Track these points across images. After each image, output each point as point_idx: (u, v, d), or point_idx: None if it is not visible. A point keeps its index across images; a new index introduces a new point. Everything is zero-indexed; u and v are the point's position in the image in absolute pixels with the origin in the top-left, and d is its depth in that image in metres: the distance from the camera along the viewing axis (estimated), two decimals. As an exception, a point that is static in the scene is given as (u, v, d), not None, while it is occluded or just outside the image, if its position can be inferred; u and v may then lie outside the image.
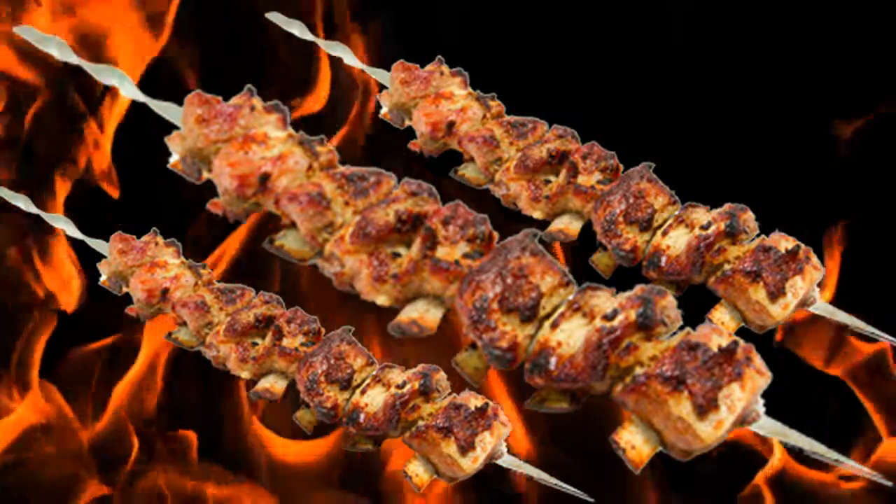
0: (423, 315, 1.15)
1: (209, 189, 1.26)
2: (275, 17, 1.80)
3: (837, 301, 1.44)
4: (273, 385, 1.50)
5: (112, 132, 1.85)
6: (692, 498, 1.49)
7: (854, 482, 1.44)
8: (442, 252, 1.14)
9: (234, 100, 1.25)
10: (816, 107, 1.77)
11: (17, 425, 1.59)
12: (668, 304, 1.09)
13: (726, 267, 1.40)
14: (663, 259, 1.43)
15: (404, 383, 1.40)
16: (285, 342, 1.50)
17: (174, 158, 1.27)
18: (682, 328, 1.10)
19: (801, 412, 1.17)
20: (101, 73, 1.38)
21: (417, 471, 1.38)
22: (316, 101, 1.89)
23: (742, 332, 1.40)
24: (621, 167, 1.53)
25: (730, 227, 1.40)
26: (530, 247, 1.12)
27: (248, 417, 1.60)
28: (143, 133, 1.76)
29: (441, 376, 1.41)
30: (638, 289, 1.10)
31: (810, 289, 1.39)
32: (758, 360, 1.08)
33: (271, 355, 1.50)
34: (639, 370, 1.07)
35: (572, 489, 1.38)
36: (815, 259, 1.39)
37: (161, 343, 1.63)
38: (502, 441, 1.38)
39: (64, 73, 1.78)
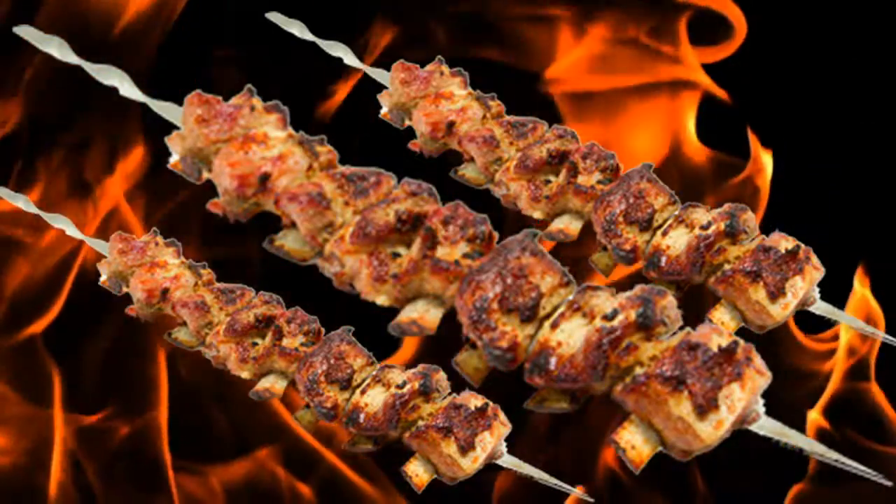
0: (423, 315, 1.15)
1: (209, 189, 1.26)
2: (275, 16, 1.80)
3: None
4: (273, 385, 1.50)
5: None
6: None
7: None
8: (442, 252, 1.14)
9: (234, 100, 1.25)
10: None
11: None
12: (668, 304, 1.09)
13: (726, 267, 1.40)
14: (663, 259, 1.43)
15: (404, 383, 1.40)
16: (285, 342, 1.50)
17: (174, 158, 1.27)
18: (681, 328, 1.10)
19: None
20: (101, 73, 1.39)
21: (417, 471, 1.38)
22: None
23: (742, 332, 1.40)
24: (621, 167, 1.53)
25: (730, 227, 1.40)
26: (530, 247, 1.12)
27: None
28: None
29: (441, 376, 1.41)
30: (638, 289, 1.10)
31: (810, 289, 1.39)
32: (758, 360, 1.08)
33: (271, 355, 1.50)
34: (639, 370, 1.07)
35: (572, 489, 1.38)
36: (815, 259, 1.39)
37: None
38: (502, 441, 1.38)
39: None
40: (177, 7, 1.88)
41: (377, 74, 1.73)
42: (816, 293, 1.40)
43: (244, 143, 1.21)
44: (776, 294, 1.36)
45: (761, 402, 1.09)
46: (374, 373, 1.44)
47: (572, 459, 1.47)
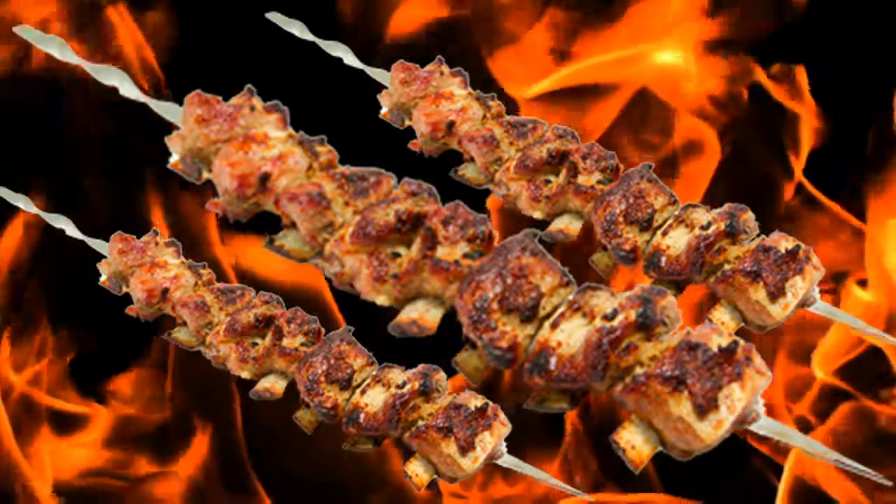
0: (422, 315, 1.15)
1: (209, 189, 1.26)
2: (275, 16, 1.80)
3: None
4: (273, 385, 1.50)
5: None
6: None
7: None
8: (442, 252, 1.14)
9: (234, 100, 1.25)
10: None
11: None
12: (668, 304, 1.09)
13: (726, 267, 1.40)
14: (663, 259, 1.43)
15: (404, 383, 1.40)
16: (285, 342, 1.50)
17: (174, 158, 1.27)
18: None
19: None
20: (101, 73, 1.38)
21: (417, 471, 1.38)
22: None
23: (742, 333, 1.40)
24: (621, 167, 1.53)
25: (730, 227, 1.40)
26: (530, 247, 1.12)
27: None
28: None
29: (441, 376, 1.41)
30: (638, 289, 1.10)
31: (810, 289, 1.38)
32: (758, 360, 1.08)
33: (271, 355, 1.50)
34: (639, 370, 1.07)
35: (572, 489, 1.38)
36: (815, 259, 1.39)
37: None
38: (502, 441, 1.38)
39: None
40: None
41: (377, 74, 1.73)
42: (816, 293, 1.40)
43: (244, 143, 1.21)
44: (776, 294, 1.36)
45: (761, 402, 1.09)
46: (374, 373, 1.44)
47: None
